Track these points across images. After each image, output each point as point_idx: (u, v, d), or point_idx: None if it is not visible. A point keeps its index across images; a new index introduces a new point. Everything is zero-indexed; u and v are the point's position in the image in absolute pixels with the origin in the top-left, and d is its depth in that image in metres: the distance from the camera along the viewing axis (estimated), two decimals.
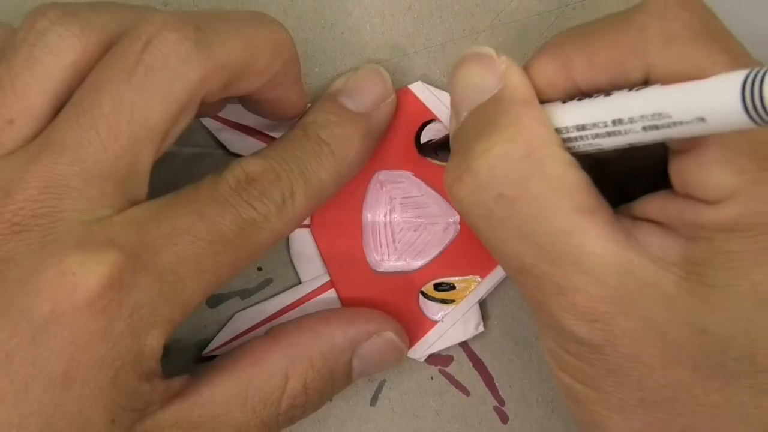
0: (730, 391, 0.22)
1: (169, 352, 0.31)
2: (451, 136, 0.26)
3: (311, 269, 0.31)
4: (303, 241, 0.31)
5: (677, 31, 0.22)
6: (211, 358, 0.31)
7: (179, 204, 0.24)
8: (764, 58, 0.23)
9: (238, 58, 0.25)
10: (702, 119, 0.20)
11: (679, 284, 0.22)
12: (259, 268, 0.31)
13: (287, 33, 0.26)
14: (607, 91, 0.23)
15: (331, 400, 0.32)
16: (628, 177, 0.26)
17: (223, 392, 0.26)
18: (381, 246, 0.31)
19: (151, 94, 0.24)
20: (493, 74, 0.25)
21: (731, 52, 0.22)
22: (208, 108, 0.28)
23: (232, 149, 0.31)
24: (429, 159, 0.31)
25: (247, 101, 0.28)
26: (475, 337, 0.32)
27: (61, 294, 0.22)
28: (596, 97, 0.23)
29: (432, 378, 0.32)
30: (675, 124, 0.21)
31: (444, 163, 0.31)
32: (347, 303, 0.31)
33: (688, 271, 0.22)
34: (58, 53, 0.24)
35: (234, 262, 0.25)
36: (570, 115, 0.24)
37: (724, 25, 0.23)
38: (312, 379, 0.27)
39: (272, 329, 0.28)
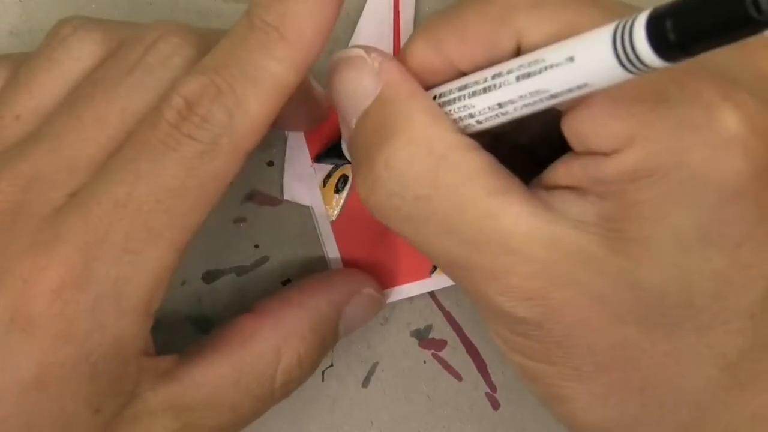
0: (677, 338, 0.22)
1: (160, 324, 0.31)
2: (346, 144, 0.26)
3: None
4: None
5: None
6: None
7: (116, 168, 0.23)
8: None
9: None
10: (583, 85, 0.20)
11: (603, 244, 0.22)
12: (256, 246, 0.31)
13: None
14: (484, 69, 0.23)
15: (324, 380, 0.32)
16: (534, 143, 0.26)
17: (216, 373, 0.26)
18: None
19: (148, 92, 0.24)
20: (370, 75, 0.24)
21: (602, 5, 0.22)
22: None
23: None
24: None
25: None
26: (469, 323, 0.32)
27: (18, 302, 0.22)
28: (475, 79, 0.23)
29: (425, 362, 0.32)
30: (555, 96, 0.21)
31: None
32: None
33: (608, 229, 0.22)
34: (78, 57, 0.25)
35: (196, 203, 0.23)
36: (455, 104, 0.23)
37: None
38: (305, 352, 0.27)
39: (257, 306, 0.28)
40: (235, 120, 0.23)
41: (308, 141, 0.31)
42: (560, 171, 0.23)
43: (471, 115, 0.23)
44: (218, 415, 0.25)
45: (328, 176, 0.31)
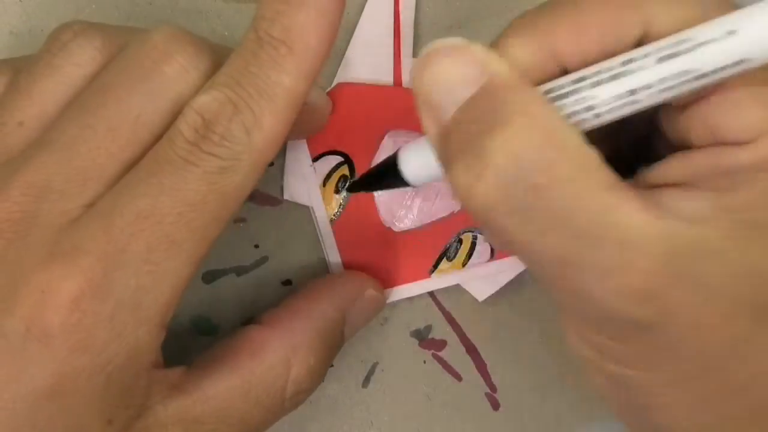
0: None
1: None
2: (434, 141, 0.24)
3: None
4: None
5: None
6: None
7: (137, 181, 0.23)
8: None
9: None
10: (741, 61, 0.20)
11: (725, 237, 0.21)
12: (256, 246, 0.31)
13: None
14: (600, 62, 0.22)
15: (324, 380, 0.31)
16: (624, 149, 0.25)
17: (225, 386, 0.26)
18: (397, 209, 0.31)
19: (163, 102, 0.24)
20: (473, 65, 0.23)
21: None
22: None
23: None
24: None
25: None
26: (469, 324, 0.32)
27: (34, 313, 0.22)
28: (597, 69, 0.22)
29: (425, 362, 0.32)
30: (703, 75, 0.20)
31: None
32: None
33: (732, 221, 0.21)
34: (78, 63, 0.25)
35: (214, 217, 0.24)
36: (568, 98, 0.23)
37: None
38: (315, 361, 0.27)
39: (265, 317, 0.28)
40: (254, 136, 0.24)
41: (308, 140, 0.31)
42: (674, 168, 0.22)
43: (590, 108, 0.22)
44: (227, 427, 0.25)
45: (328, 176, 0.31)
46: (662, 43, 0.21)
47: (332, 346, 0.28)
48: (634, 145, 0.24)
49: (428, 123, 0.24)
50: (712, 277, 0.21)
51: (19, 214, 0.23)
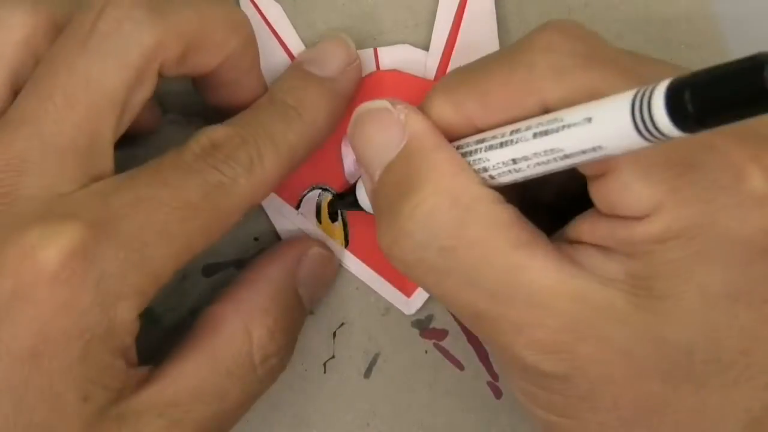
0: (703, 393, 0.22)
1: (162, 320, 0.31)
2: (368, 196, 0.26)
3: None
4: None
5: (566, 61, 0.22)
6: None
7: (142, 175, 0.24)
8: None
9: (193, 27, 0.25)
10: (597, 148, 0.20)
11: (629, 300, 0.22)
12: (256, 239, 0.31)
13: (244, 14, 0.27)
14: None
15: (325, 371, 0.32)
16: (559, 199, 0.26)
17: (191, 366, 0.26)
18: None
19: (106, 60, 0.24)
20: (395, 127, 0.24)
21: (628, 72, 0.22)
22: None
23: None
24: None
25: (205, 85, 0.28)
26: None
27: (23, 269, 0.22)
28: (494, 134, 0.23)
29: (426, 352, 0.32)
30: (568, 156, 0.21)
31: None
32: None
33: (635, 286, 0.22)
34: (10, 28, 0.25)
35: (204, 227, 0.24)
36: (471, 156, 0.24)
37: (613, 47, 0.23)
38: (273, 322, 0.27)
39: (216, 297, 0.28)
40: (255, 168, 0.25)
41: (280, 195, 0.30)
42: (584, 228, 0.23)
43: (485, 169, 0.23)
44: (205, 405, 0.26)
45: (318, 212, 0.30)
46: (541, 119, 0.22)
47: (289, 309, 0.28)
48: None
49: (365, 179, 0.26)
50: (618, 338, 0.22)
51: (3, 189, 0.23)
